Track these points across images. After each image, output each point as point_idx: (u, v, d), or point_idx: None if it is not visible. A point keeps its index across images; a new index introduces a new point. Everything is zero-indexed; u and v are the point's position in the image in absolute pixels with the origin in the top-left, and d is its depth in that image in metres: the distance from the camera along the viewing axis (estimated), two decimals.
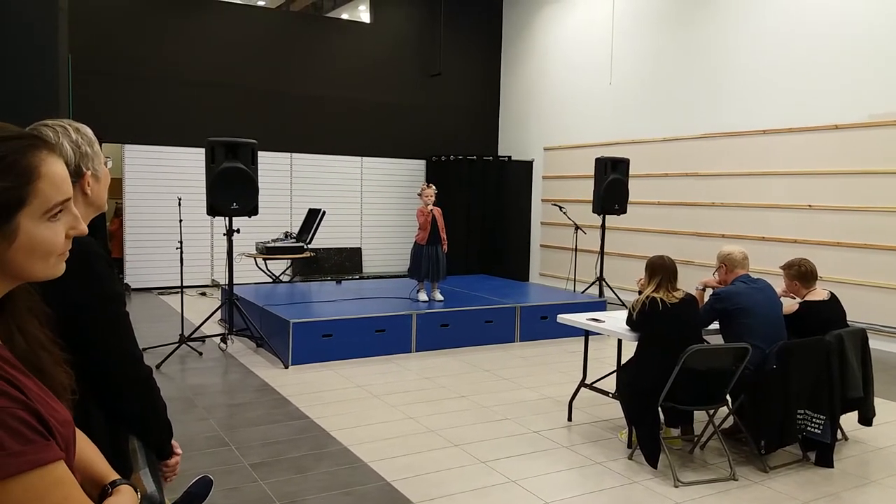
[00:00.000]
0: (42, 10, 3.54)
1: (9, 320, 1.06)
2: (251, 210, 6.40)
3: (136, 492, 1.26)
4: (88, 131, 1.67)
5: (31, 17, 3.52)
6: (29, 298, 1.10)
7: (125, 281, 9.76)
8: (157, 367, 5.87)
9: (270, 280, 9.36)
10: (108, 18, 9.70)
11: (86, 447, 1.25)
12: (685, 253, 8.95)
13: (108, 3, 9.72)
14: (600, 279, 8.94)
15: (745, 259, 4.43)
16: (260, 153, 6.63)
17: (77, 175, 1.59)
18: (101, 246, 1.61)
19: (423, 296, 7.37)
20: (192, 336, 6.48)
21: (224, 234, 6.53)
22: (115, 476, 1.26)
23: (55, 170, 1.05)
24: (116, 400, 1.61)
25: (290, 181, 11.00)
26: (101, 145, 1.68)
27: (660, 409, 3.96)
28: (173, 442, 1.76)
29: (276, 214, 10.61)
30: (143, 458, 1.66)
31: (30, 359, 1.04)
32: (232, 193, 6.26)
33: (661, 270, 4.11)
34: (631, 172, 8.91)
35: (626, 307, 4.39)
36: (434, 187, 7.27)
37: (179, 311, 7.03)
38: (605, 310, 6.96)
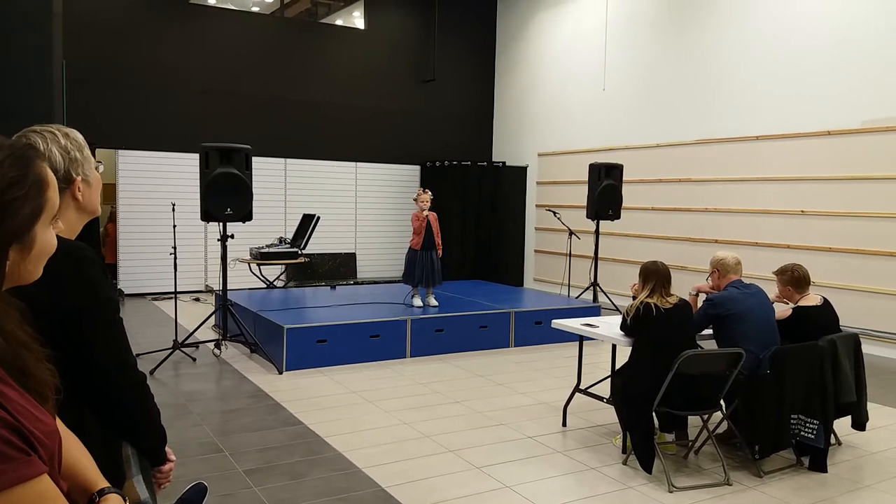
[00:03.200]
0: (36, 16, 3.54)
1: None
2: (245, 215, 6.40)
3: (125, 501, 1.24)
4: (78, 136, 1.66)
5: (25, 22, 3.52)
6: (3, 293, 1.06)
7: (119, 286, 9.73)
8: (151, 372, 5.85)
9: (264, 286, 9.34)
10: (102, 24, 9.70)
11: (77, 453, 1.22)
12: (679, 258, 8.98)
13: (102, 9, 9.72)
14: (594, 284, 8.96)
15: (738, 264, 4.45)
16: (254, 158, 6.64)
17: (67, 181, 1.59)
18: (94, 252, 1.60)
19: (417, 301, 7.36)
20: (186, 342, 6.46)
21: (218, 240, 6.53)
22: (104, 484, 1.23)
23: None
24: (110, 406, 1.60)
25: (284, 186, 10.99)
26: (94, 151, 1.68)
27: (654, 414, 3.97)
28: (167, 448, 1.75)
29: (270, 220, 10.60)
30: (136, 465, 1.66)
31: (12, 360, 1.01)
32: (226, 199, 6.26)
33: (655, 276, 4.12)
34: (625, 178, 8.94)
35: (621, 312, 4.40)
36: (429, 192, 7.28)
37: (173, 316, 7.01)
38: (599, 315, 6.96)
